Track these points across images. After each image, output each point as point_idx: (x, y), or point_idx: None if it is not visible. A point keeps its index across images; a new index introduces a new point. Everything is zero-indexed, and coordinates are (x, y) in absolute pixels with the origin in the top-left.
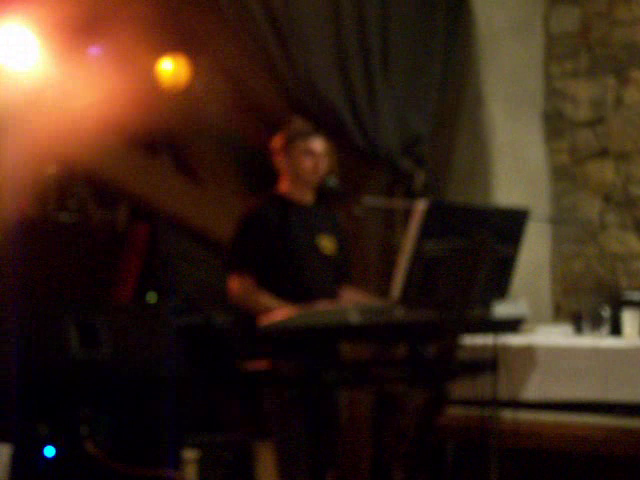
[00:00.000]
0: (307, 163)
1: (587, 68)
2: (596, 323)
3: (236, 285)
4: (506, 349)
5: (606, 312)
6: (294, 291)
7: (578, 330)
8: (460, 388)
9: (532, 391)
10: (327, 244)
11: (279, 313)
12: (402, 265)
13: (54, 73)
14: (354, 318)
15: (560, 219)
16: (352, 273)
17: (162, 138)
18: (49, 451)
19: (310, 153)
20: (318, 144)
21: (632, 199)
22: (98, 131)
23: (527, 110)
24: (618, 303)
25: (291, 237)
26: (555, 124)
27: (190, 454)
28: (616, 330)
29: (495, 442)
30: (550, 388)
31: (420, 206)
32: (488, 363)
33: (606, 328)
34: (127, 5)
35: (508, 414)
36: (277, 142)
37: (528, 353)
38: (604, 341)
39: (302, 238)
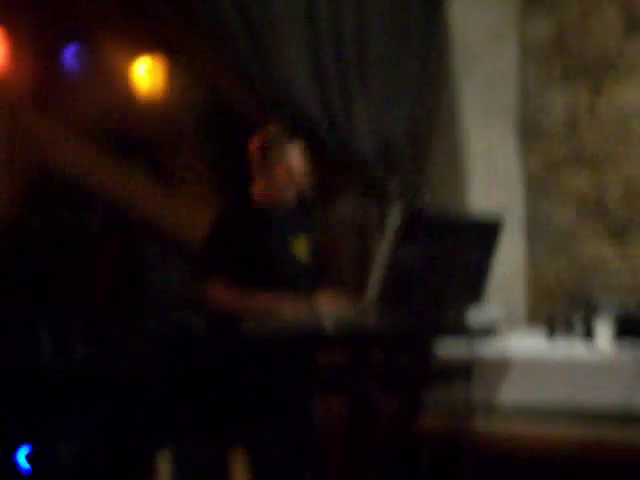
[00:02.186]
0: (283, 172)
1: (561, 77)
2: (568, 329)
3: (212, 293)
4: (480, 356)
5: (578, 318)
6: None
7: (550, 336)
8: (435, 395)
9: (506, 398)
10: (302, 249)
11: (266, 301)
12: (376, 272)
13: (29, 75)
14: (328, 327)
15: (534, 227)
16: (327, 279)
17: (137, 141)
18: (22, 459)
19: (287, 162)
20: (295, 153)
21: (605, 207)
22: (73, 134)
23: (501, 118)
24: (591, 310)
25: (265, 245)
26: (529, 132)
27: (163, 458)
28: (588, 337)
29: (469, 449)
30: (524, 396)
31: (394, 213)
32: (462, 370)
33: (578, 335)
34: (102, 7)
35: (482, 421)
36: (253, 146)
37: (502, 361)
38: (577, 350)
39: (276, 246)
